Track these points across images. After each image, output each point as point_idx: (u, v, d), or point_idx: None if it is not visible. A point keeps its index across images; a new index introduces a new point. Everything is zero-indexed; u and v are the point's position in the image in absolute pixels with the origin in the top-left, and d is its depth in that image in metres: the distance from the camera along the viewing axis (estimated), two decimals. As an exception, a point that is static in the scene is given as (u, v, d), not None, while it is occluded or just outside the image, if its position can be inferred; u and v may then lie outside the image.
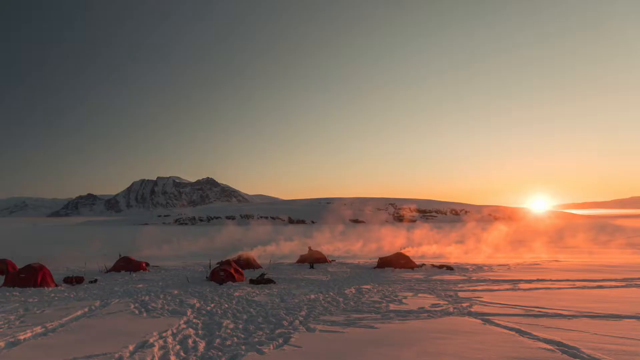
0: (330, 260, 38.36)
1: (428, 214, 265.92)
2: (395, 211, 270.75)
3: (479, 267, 31.87)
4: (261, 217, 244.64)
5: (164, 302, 19.30)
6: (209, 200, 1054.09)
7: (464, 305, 17.67)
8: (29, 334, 13.19)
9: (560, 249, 50.93)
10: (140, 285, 24.66)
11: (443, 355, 10.96)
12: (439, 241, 54.19)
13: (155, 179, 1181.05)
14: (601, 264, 33.05)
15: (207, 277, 27.20)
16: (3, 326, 14.25)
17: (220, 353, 11.52)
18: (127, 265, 31.97)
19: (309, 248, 39.38)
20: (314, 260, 36.28)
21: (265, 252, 43.38)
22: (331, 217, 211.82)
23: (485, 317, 15.26)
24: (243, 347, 12.05)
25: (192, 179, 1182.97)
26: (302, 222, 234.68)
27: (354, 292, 21.80)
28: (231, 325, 14.69)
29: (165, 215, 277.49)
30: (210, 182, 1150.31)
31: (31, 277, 23.45)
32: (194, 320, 15.51)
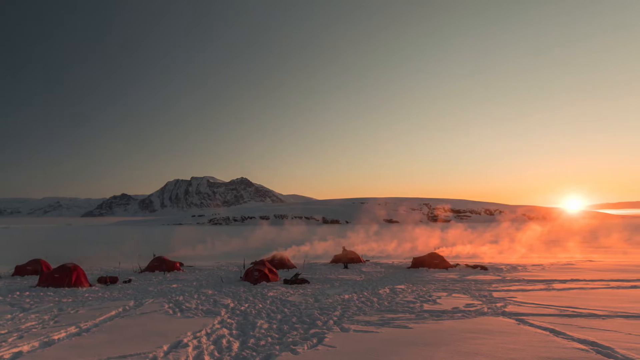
0: (364, 260, 38.48)
1: (462, 214, 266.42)
2: (430, 211, 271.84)
3: (513, 267, 32.00)
4: (295, 217, 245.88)
5: (198, 302, 19.51)
6: (243, 200, 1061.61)
7: (498, 305, 17.80)
8: (63, 334, 13.39)
9: (595, 249, 50.47)
10: (175, 285, 24.97)
11: (477, 355, 11.00)
12: (473, 241, 54.11)
13: (189, 179, 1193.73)
14: (636, 264, 32.68)
15: (241, 277, 27.36)
16: (37, 326, 14.50)
17: (254, 353, 11.58)
18: (161, 265, 32.39)
19: (343, 248, 39.48)
20: (348, 260, 36.46)
21: (299, 252, 43.61)
22: (365, 217, 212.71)
23: (519, 317, 15.34)
24: (277, 347, 12.12)
25: (226, 179, 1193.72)
26: (336, 222, 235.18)
27: (388, 292, 21.90)
28: (265, 325, 14.77)
29: (199, 215, 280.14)
30: (244, 182, 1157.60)
31: (65, 277, 23.88)
32: (228, 320, 15.62)
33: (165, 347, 11.97)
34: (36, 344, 12.26)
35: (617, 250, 48.55)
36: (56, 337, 12.97)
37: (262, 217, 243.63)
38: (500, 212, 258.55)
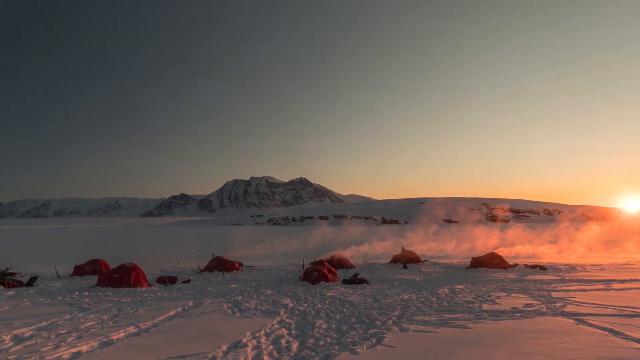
0: (423, 260, 38.81)
1: (521, 214, 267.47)
2: (489, 211, 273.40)
3: (571, 267, 32.54)
4: (354, 217, 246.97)
5: (257, 302, 19.60)
6: (302, 200, 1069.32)
7: (557, 305, 17.96)
8: (122, 334, 13.57)
9: (654, 249, 49.31)
10: (233, 285, 25.18)
11: (536, 355, 11.06)
12: (532, 241, 54.13)
13: (248, 179, 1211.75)
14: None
15: (299, 277, 27.47)
16: (96, 326, 14.74)
17: (313, 353, 11.59)
18: (220, 265, 32.78)
19: (402, 248, 39.34)
20: (407, 260, 36.69)
21: (358, 252, 43.86)
22: (424, 217, 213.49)
23: (578, 317, 15.47)
24: (336, 347, 12.15)
25: (285, 179, 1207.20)
26: (396, 222, 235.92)
27: (447, 292, 22.08)
28: (324, 325, 14.81)
29: (258, 215, 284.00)
30: (303, 182, 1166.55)
31: (124, 277, 24.34)
32: (287, 320, 15.64)
33: (224, 347, 12.00)
34: (95, 344, 12.44)
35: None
36: (115, 337, 13.14)
37: (321, 217, 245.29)
38: (559, 212, 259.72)
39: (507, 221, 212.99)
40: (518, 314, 16.22)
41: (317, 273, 26.35)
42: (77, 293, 22.11)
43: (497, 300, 19.22)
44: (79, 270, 30.55)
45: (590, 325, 14.13)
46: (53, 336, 13.26)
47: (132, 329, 14.24)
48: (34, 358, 11.04)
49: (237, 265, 33.77)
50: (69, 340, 12.78)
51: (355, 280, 25.66)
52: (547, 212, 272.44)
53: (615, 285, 23.00)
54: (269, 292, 22.47)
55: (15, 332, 13.72)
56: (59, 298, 20.63)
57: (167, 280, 26.09)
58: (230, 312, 17.45)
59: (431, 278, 27.86)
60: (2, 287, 23.98)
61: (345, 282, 25.79)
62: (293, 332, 13.96)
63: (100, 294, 21.96)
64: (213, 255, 35.54)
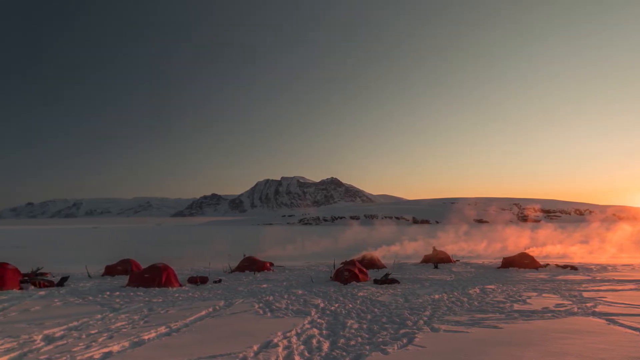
0: (455, 260, 38.72)
1: (552, 214, 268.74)
2: (519, 211, 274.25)
3: (603, 267, 32.46)
4: (385, 217, 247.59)
5: (288, 302, 19.62)
6: (333, 200, 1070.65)
7: (588, 305, 18.02)
8: (153, 334, 13.66)
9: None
10: (265, 285, 25.24)
11: (566, 355, 11.15)
12: (563, 241, 53.53)
13: (279, 179, 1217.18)
14: None
15: (331, 277, 27.44)
16: (127, 326, 14.86)
17: (344, 353, 11.62)
18: (251, 265, 32.89)
19: (434, 248, 39.52)
20: (438, 260, 36.67)
21: (389, 252, 43.82)
22: (455, 217, 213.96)
23: (609, 317, 15.51)
24: (367, 347, 12.18)
25: (316, 179, 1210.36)
26: (427, 222, 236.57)
27: (478, 292, 22.13)
28: (355, 325, 14.82)
29: (289, 215, 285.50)
30: (334, 182, 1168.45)
31: (155, 276, 24.53)
32: (318, 320, 15.65)
33: (255, 347, 12.03)
34: (126, 344, 12.53)
35: None
36: (146, 337, 13.23)
37: (352, 217, 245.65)
38: (590, 212, 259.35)
39: (538, 221, 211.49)
40: (549, 314, 16.31)
41: (348, 273, 26.33)
42: (108, 293, 22.33)
43: (528, 300, 19.32)
44: (110, 270, 30.84)
45: (621, 325, 14.27)
46: (84, 336, 13.39)
47: (163, 329, 14.35)
48: (65, 358, 11.16)
49: (268, 265, 33.88)
50: (100, 340, 12.89)
51: (386, 280, 25.64)
52: (578, 212, 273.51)
53: (647, 285, 22.87)
54: (300, 292, 22.49)
55: (46, 332, 13.89)
56: (90, 298, 20.85)
57: (198, 280, 26.20)
58: (261, 312, 17.48)
59: (462, 278, 27.85)
60: (33, 287, 24.28)
61: (376, 282, 25.74)
62: (324, 332, 13.97)
63: (132, 293, 22.14)
64: (244, 255, 35.67)
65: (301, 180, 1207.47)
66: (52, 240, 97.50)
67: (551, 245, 46.20)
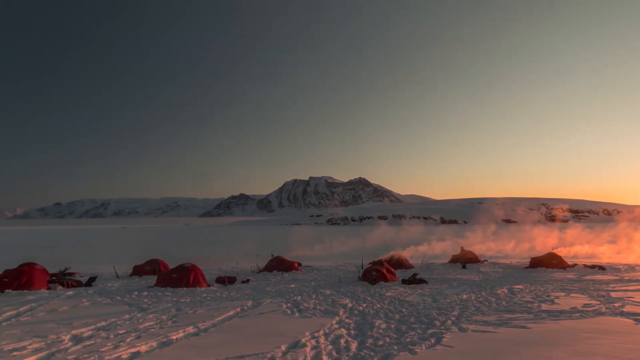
0: (483, 260, 38.71)
1: (580, 214, 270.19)
2: (547, 211, 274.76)
3: (631, 267, 32.56)
4: (413, 217, 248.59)
5: (316, 302, 19.61)
6: (361, 200, 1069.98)
7: (616, 305, 18.04)
8: (181, 334, 13.72)
9: None
10: (293, 285, 25.29)
11: (595, 355, 11.15)
12: (591, 241, 53.20)
13: (307, 179, 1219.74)
14: None
15: (359, 277, 27.38)
16: (155, 326, 14.94)
17: (372, 353, 11.62)
18: (279, 265, 32.91)
19: (462, 248, 39.43)
20: (466, 260, 36.69)
21: (417, 252, 43.94)
22: (483, 217, 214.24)
23: (637, 317, 15.58)
24: (395, 347, 12.18)
25: (344, 179, 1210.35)
26: (455, 222, 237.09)
27: (506, 292, 22.18)
28: (383, 325, 14.81)
29: (317, 215, 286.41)
30: (362, 182, 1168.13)
31: (183, 277, 24.62)
32: (346, 320, 15.63)
33: (283, 347, 12.03)
34: (154, 344, 12.59)
35: None
36: (174, 337, 13.28)
37: (380, 217, 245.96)
38: (618, 212, 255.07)
39: (566, 221, 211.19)
40: (577, 314, 16.36)
41: (376, 273, 26.28)
42: (136, 293, 22.47)
43: (556, 300, 19.37)
44: (138, 270, 31.05)
45: (649, 325, 14.29)
46: (112, 336, 13.49)
47: (191, 329, 14.40)
48: (93, 358, 11.25)
49: (296, 265, 33.89)
50: (128, 340, 12.97)
51: (414, 280, 25.61)
52: (606, 212, 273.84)
53: (674, 286, 22.66)
54: (327, 292, 22.49)
55: (74, 332, 14.02)
56: (118, 298, 21.01)
57: (226, 280, 26.27)
58: (289, 312, 17.51)
59: (490, 278, 27.81)
60: (61, 287, 24.50)
61: (404, 282, 25.72)
62: (352, 332, 13.96)
63: (159, 294, 22.27)
64: (272, 255, 35.71)
65: (329, 180, 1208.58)
66: (80, 240, 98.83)
67: (579, 245, 46.43)
